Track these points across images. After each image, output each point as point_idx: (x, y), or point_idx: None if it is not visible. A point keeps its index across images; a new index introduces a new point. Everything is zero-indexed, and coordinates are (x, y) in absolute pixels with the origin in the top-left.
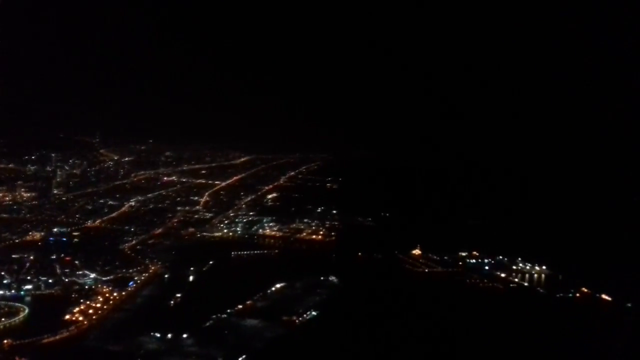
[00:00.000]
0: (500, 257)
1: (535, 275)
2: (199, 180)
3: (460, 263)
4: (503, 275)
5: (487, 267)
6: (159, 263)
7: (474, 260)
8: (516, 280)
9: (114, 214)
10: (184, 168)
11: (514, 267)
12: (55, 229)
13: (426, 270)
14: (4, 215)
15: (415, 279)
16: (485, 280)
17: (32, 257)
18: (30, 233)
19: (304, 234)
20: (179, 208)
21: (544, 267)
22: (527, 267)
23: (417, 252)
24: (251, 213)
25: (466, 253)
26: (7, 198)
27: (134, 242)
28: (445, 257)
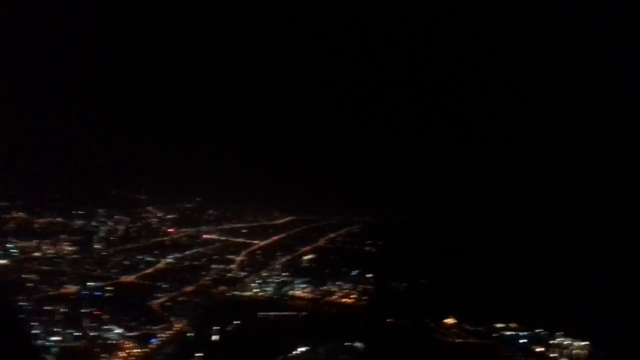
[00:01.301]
0: (539, 329)
1: (575, 351)
2: (238, 239)
3: (495, 335)
4: (539, 349)
5: (523, 340)
6: (184, 321)
7: (510, 333)
8: (552, 355)
9: (149, 270)
10: (225, 226)
11: (552, 342)
12: (89, 283)
13: (457, 341)
14: (44, 268)
15: (443, 350)
16: (520, 354)
17: (63, 310)
18: (65, 286)
19: (335, 296)
20: (213, 266)
21: (585, 343)
22: (567, 342)
23: (450, 320)
24: (284, 274)
25: (503, 324)
26: (50, 251)
27: (163, 298)
28: (480, 328)
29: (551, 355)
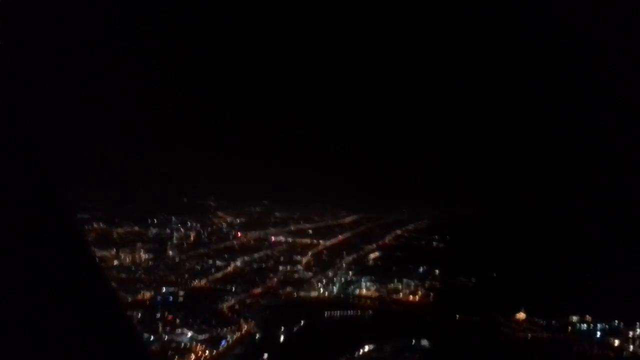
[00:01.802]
0: (616, 321)
1: None
2: (304, 240)
3: (570, 328)
4: (617, 342)
5: (599, 333)
6: (253, 322)
7: (585, 326)
8: (631, 348)
9: (219, 274)
10: (292, 228)
11: (631, 334)
12: (164, 289)
13: (529, 336)
14: (122, 275)
15: (515, 345)
16: (597, 348)
17: (139, 315)
18: (141, 292)
19: (401, 294)
20: (281, 268)
21: None
22: None
23: (521, 315)
24: (350, 272)
25: (578, 317)
26: (127, 259)
27: (232, 301)
28: (553, 322)
29: (631, 348)
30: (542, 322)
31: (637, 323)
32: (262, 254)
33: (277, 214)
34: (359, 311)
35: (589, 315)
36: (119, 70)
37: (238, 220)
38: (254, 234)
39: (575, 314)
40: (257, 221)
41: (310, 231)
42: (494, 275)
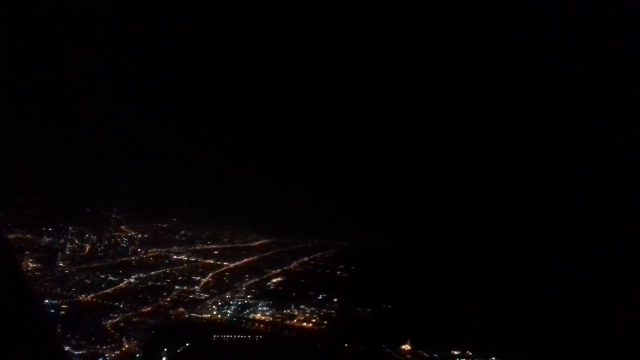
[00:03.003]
0: (493, 358)
1: None
2: (207, 261)
3: None
4: None
5: None
6: (135, 341)
7: None
8: None
9: (109, 290)
10: (197, 247)
11: None
12: (46, 301)
13: None
14: None
15: None
16: None
17: None
18: None
19: (295, 320)
20: (177, 287)
21: None
22: None
23: (406, 347)
24: (249, 296)
25: (459, 352)
26: None
27: (118, 318)
28: (435, 355)
29: None
30: (425, 354)
31: None
32: (159, 271)
33: (184, 232)
34: (248, 336)
35: (470, 351)
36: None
37: (140, 236)
38: (154, 251)
39: (456, 349)
40: (161, 238)
41: (216, 252)
42: (389, 307)
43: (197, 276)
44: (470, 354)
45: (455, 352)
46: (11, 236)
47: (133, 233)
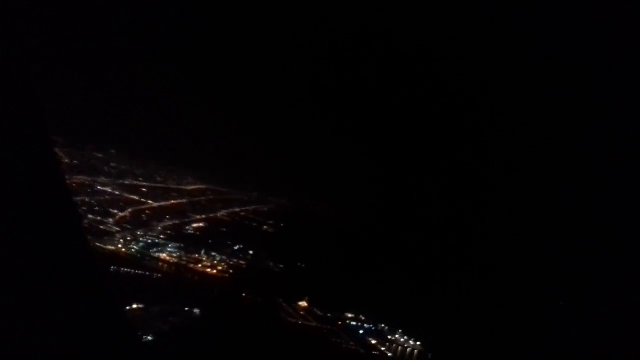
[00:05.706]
0: (383, 325)
1: (408, 349)
2: (132, 196)
3: (340, 323)
4: (374, 342)
5: (362, 332)
6: None
7: (354, 323)
8: (382, 348)
9: None
10: (126, 182)
11: (390, 337)
12: None
13: (299, 323)
14: None
15: (284, 329)
16: (352, 343)
17: None
18: None
19: (200, 265)
20: (90, 216)
21: (418, 344)
22: (402, 340)
23: (303, 304)
24: (162, 236)
25: (353, 315)
26: None
27: None
28: (329, 315)
29: (382, 348)
30: (319, 313)
31: (400, 330)
32: (78, 199)
33: (116, 165)
34: (147, 272)
35: (364, 315)
36: None
37: (69, 161)
38: (80, 178)
39: (351, 312)
40: (92, 167)
41: (144, 189)
42: (302, 266)
43: (115, 209)
44: (363, 318)
45: (349, 315)
46: None
47: (63, 156)
